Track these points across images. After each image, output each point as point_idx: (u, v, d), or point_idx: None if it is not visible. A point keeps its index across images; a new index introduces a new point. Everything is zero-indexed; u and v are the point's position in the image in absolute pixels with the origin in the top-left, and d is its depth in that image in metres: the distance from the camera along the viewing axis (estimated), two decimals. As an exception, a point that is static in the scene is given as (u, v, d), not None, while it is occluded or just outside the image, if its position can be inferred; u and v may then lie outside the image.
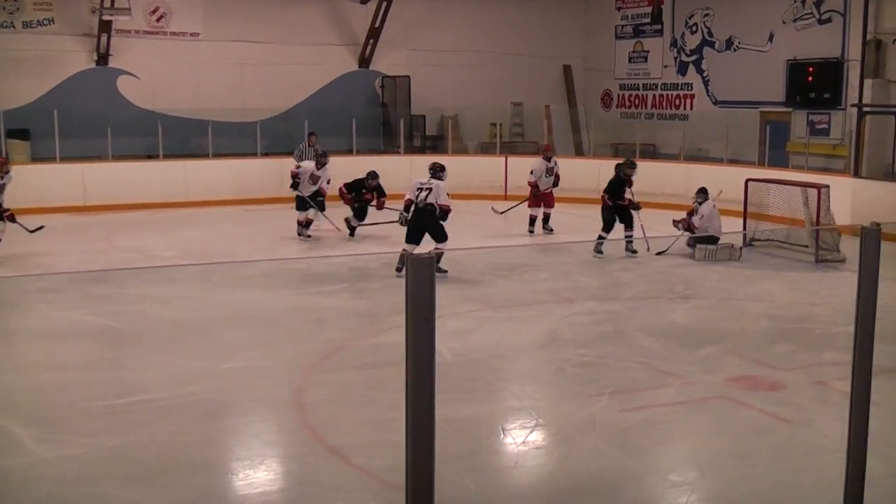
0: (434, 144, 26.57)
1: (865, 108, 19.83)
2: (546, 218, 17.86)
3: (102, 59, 24.03)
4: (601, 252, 15.09)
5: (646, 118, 27.61)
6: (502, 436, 7.65)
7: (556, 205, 17.82)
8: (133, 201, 20.16)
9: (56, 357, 9.74)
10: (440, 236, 13.04)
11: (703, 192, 15.70)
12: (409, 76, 26.83)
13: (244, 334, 10.59)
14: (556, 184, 17.85)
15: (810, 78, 22.64)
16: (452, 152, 24.57)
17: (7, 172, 14.75)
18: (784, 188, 16.09)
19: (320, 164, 17.47)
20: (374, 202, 17.55)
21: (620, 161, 16.30)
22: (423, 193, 13.12)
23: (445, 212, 13.12)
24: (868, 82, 20.11)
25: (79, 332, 10.72)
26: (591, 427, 7.72)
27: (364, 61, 27.09)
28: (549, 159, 17.84)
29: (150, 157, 22.13)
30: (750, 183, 16.27)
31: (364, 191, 17.59)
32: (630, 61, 28.35)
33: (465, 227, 15.46)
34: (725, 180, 17.04)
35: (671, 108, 27.00)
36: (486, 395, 8.70)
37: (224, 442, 7.56)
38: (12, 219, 14.73)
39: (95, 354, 9.86)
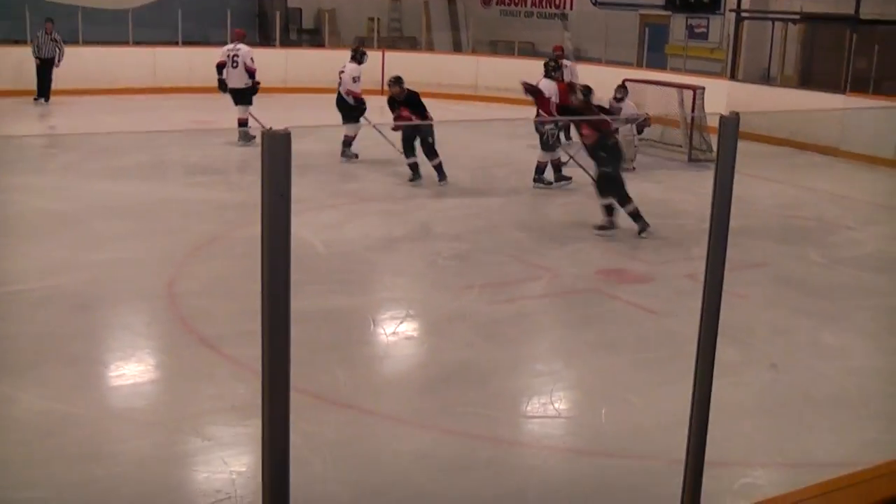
0: (311, 38, 26.13)
1: (744, 14, 20.11)
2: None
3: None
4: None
5: (525, 16, 27.53)
6: (373, 327, 7.71)
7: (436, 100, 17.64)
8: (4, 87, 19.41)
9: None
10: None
11: (623, 89, 14.60)
12: (286, -31, 26.26)
13: (117, 225, 10.39)
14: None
15: (690, -18, 22.84)
16: (329, 46, 24.22)
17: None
18: (661, 89, 16.32)
19: (363, 60, 15.33)
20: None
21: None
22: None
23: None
24: (747, -13, 20.40)
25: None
26: (461, 319, 7.83)
27: (240, -51, 26.39)
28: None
29: (17, 42, 21.30)
30: (627, 83, 16.44)
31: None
32: (512, -42, 28.17)
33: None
34: (604, 80, 17.16)
35: (551, 8, 26.97)
36: (359, 287, 8.74)
37: (96, 334, 7.49)
38: None
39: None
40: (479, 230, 9.97)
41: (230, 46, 16.03)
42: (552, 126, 12.89)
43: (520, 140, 15.88)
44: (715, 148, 14.58)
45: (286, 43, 24.26)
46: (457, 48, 27.36)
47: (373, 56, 22.60)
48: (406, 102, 13.30)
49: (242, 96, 15.82)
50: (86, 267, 8.82)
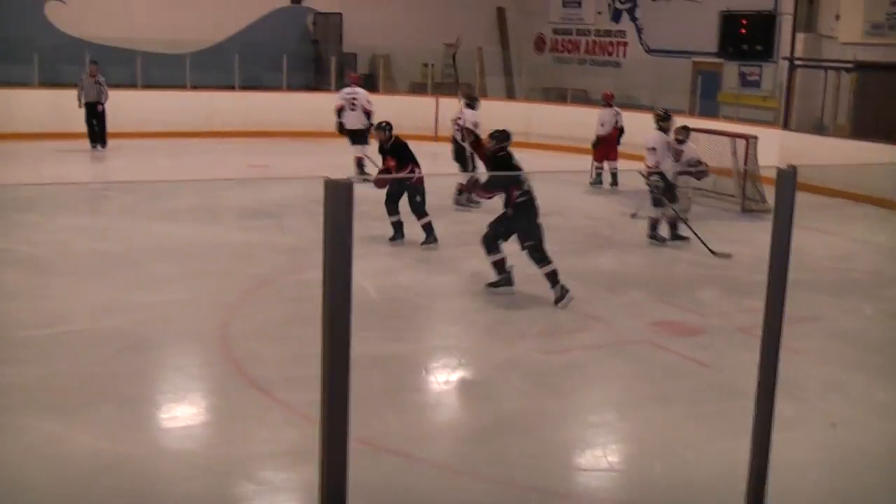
0: (365, 83, 26.33)
1: (797, 62, 20.02)
2: (613, 172, 17.08)
3: (30, -18, 23.43)
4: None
5: (578, 64, 27.61)
6: (425, 374, 7.70)
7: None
8: (59, 130, 19.72)
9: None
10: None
11: (685, 130, 13.36)
12: (341, 13, 26.54)
13: (170, 267, 10.50)
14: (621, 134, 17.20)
15: (743, 30, 22.76)
16: (383, 91, 24.42)
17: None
18: (713, 138, 16.21)
19: (476, 105, 15.05)
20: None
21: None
22: None
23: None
24: (800, 36, 20.28)
25: (2, 261, 10.54)
26: (513, 368, 7.80)
27: (297, -4, 26.76)
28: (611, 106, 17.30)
29: (76, 85, 21.71)
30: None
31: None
32: (564, 6, 28.26)
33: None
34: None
35: (604, 55, 27.03)
36: (411, 334, 8.74)
37: (148, 374, 7.53)
38: None
39: (19, 283, 9.71)
40: (532, 279, 9.92)
41: (347, 91, 17.08)
42: (657, 178, 12.39)
43: (573, 187, 15.94)
44: (768, 198, 14.49)
45: (341, 87, 24.42)
46: (510, 94, 27.49)
47: (427, 102, 22.86)
48: (392, 151, 11.94)
49: (359, 137, 16.71)
50: (139, 308, 8.91)
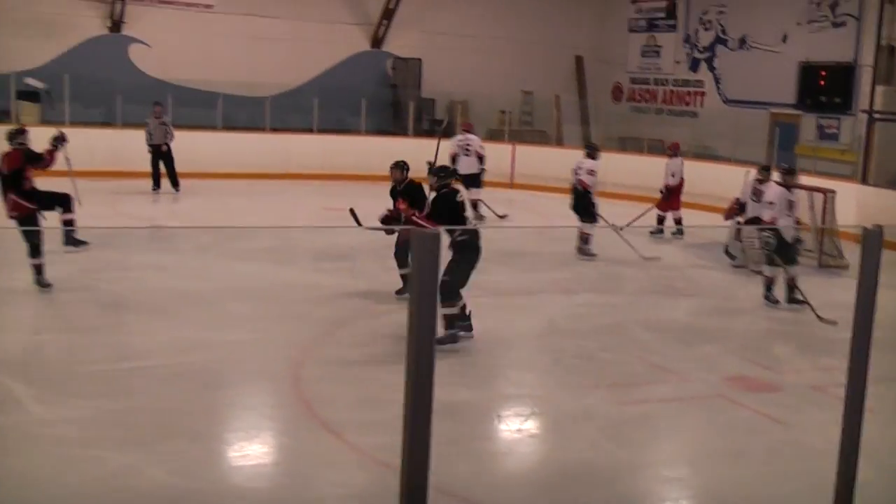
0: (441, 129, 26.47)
1: (876, 115, 19.79)
2: (678, 220, 17.12)
3: (115, 25, 24.05)
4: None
5: (655, 113, 27.57)
6: (497, 422, 7.67)
7: (565, 195, 17.70)
8: (139, 169, 20.08)
9: (58, 319, 9.78)
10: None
11: (766, 170, 13.68)
12: (420, 59, 26.81)
13: (244, 307, 10.61)
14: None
15: (822, 81, 22.60)
16: (460, 137, 24.59)
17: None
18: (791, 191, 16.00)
19: (597, 156, 15.24)
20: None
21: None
22: None
23: None
24: (879, 89, 20.07)
25: (81, 296, 10.73)
26: (586, 418, 7.73)
27: (376, 41, 27.07)
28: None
29: (144, 126, 22.14)
30: (756, 184, 16.20)
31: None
32: (642, 55, 28.31)
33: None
34: (732, 180, 16.97)
35: (681, 105, 26.97)
36: (483, 381, 8.72)
37: (221, 412, 7.61)
38: None
39: (97, 319, 9.90)
40: (606, 329, 9.88)
41: (460, 137, 17.97)
42: (769, 234, 11.96)
43: (647, 238, 15.83)
44: (846, 255, 14.18)
45: (419, 132, 24.64)
46: (586, 143, 27.43)
47: (502, 149, 22.93)
48: (405, 193, 10.89)
49: (474, 181, 17.37)
50: (213, 346, 9.02)
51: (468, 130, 18.26)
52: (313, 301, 11.20)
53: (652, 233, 16.85)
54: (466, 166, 17.28)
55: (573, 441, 7.31)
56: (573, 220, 14.36)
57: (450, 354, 8.96)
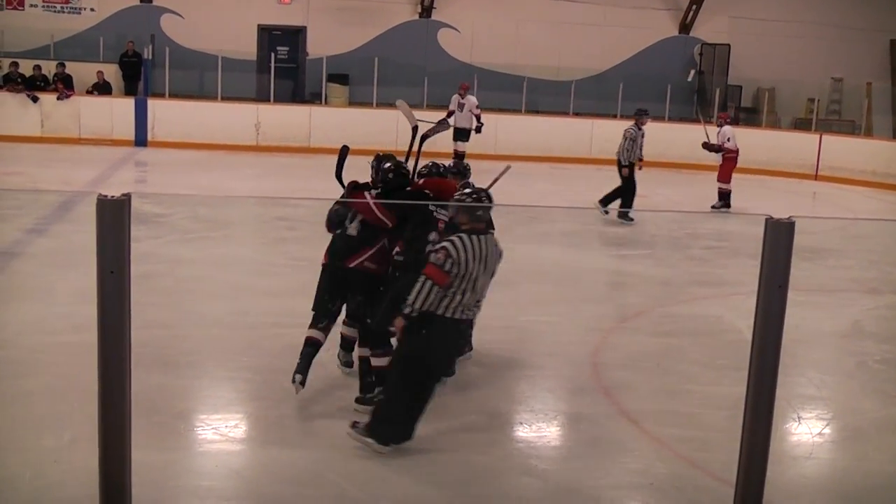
0: (747, 117, 25.75)
1: None
2: None
3: (426, 11, 24.79)
4: None
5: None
6: (797, 424, 7.36)
7: (872, 189, 16.83)
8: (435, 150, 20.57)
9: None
10: None
11: None
12: (729, 45, 26.15)
13: (543, 288, 10.69)
14: None
15: None
16: (765, 126, 23.82)
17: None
18: None
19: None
20: None
21: None
22: None
23: None
24: None
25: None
26: (891, 428, 7.32)
27: (685, 27, 26.63)
28: None
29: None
30: None
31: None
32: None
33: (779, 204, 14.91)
34: None
35: None
36: (782, 379, 8.37)
37: (518, 392, 7.67)
38: None
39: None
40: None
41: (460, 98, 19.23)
42: None
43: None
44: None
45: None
46: (896, 134, 26.04)
47: (809, 139, 22.08)
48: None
49: (464, 134, 18.90)
50: (513, 327, 9.10)
51: (466, 90, 19.50)
52: (614, 286, 11.17)
53: None
54: (463, 121, 19.06)
55: (877, 451, 6.94)
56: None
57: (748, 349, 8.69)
